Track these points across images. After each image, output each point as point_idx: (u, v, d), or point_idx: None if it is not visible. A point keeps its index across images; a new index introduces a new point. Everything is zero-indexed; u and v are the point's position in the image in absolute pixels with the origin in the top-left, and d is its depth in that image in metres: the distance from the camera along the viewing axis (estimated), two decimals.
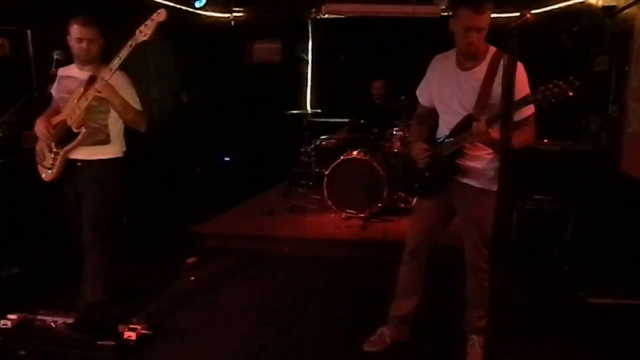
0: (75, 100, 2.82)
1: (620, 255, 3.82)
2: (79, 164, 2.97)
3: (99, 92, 2.70)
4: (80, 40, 2.83)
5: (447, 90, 2.53)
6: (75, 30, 2.83)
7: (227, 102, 6.86)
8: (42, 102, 3.08)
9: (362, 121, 5.81)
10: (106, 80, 2.68)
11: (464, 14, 2.30)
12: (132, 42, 2.60)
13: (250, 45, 7.14)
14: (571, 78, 2.09)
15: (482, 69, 2.40)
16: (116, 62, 2.65)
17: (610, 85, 4.52)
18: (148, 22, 2.57)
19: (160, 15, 2.56)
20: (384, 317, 2.88)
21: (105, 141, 2.98)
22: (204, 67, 6.68)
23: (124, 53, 2.63)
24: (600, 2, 4.90)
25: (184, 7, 5.97)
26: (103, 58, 2.91)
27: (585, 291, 3.40)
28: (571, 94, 2.08)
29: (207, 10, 6.50)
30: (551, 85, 2.12)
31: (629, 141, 4.12)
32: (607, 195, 4.22)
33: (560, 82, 2.10)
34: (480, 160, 2.51)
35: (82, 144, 2.90)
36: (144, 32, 2.57)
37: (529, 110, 2.32)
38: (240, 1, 6.90)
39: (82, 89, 2.82)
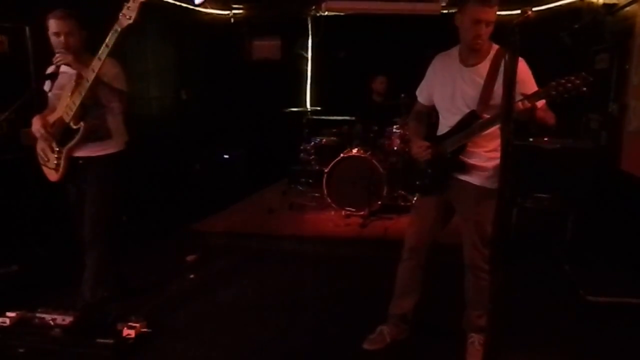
0: (69, 96, 2.78)
1: (620, 254, 3.82)
2: (80, 161, 2.95)
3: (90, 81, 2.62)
4: (57, 34, 2.78)
5: (450, 88, 2.51)
6: (51, 25, 2.78)
7: (226, 99, 6.85)
8: (41, 100, 3.06)
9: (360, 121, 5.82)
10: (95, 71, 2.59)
11: (473, 6, 2.30)
12: (117, 27, 2.50)
13: (250, 42, 7.12)
14: (583, 74, 2.07)
15: (485, 66, 2.40)
16: (104, 50, 2.57)
17: (610, 83, 4.50)
18: (130, 3, 2.44)
19: None
20: (384, 315, 2.87)
21: (107, 136, 2.95)
22: (203, 65, 6.67)
23: (110, 40, 2.54)
24: (601, 0, 4.89)
25: (183, 4, 5.96)
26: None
27: (585, 289, 3.40)
28: (585, 89, 2.07)
29: (206, 7, 6.48)
30: (563, 81, 2.09)
31: (629, 139, 4.11)
32: (607, 194, 4.22)
33: (573, 78, 2.08)
34: (480, 158, 2.50)
35: (85, 140, 2.86)
36: (128, 14, 2.45)
37: (541, 102, 2.30)
38: None
39: (73, 83, 2.77)
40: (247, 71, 7.00)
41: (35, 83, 3.30)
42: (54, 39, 2.81)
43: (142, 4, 2.44)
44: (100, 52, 2.59)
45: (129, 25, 2.48)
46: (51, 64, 2.82)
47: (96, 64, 2.62)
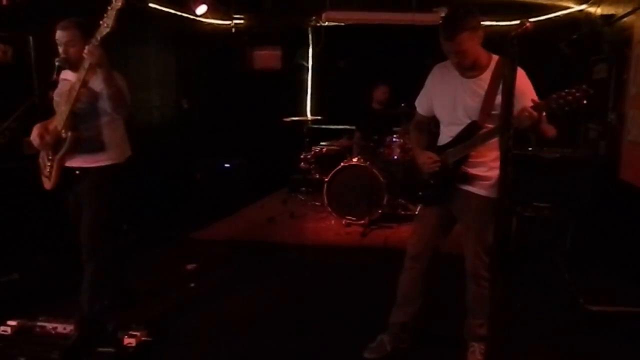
0: (63, 104, 2.81)
1: (620, 263, 3.82)
2: (77, 172, 2.95)
3: (88, 55, 2.63)
4: (59, 43, 2.82)
5: (450, 99, 2.52)
6: (56, 35, 2.83)
7: (227, 108, 6.88)
8: (43, 109, 3.08)
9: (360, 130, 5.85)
10: (96, 45, 2.61)
11: (441, 39, 2.35)
12: (97, 36, 2.59)
13: (251, 52, 7.17)
14: (584, 86, 2.08)
15: (486, 77, 2.40)
16: (87, 59, 2.63)
17: (609, 93, 4.53)
18: (108, 12, 2.55)
19: (117, 3, 2.52)
20: (384, 324, 2.87)
21: (100, 149, 2.93)
22: (204, 74, 6.71)
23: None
24: (599, 11, 4.93)
25: (185, 14, 6.01)
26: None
27: (585, 298, 3.39)
28: (585, 102, 2.07)
29: (208, 17, 6.53)
30: (564, 94, 2.10)
31: (628, 149, 4.13)
32: (606, 203, 4.23)
33: (573, 90, 2.09)
34: (482, 167, 2.51)
35: (75, 150, 2.85)
36: (106, 22, 2.56)
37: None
38: (241, 8, 6.94)
39: (67, 92, 2.79)
40: (248, 81, 7.04)
41: (39, 92, 3.33)
42: (59, 49, 2.85)
43: (118, 11, 2.53)
44: (84, 61, 2.65)
45: (108, 34, 2.57)
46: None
47: (81, 73, 2.67)
